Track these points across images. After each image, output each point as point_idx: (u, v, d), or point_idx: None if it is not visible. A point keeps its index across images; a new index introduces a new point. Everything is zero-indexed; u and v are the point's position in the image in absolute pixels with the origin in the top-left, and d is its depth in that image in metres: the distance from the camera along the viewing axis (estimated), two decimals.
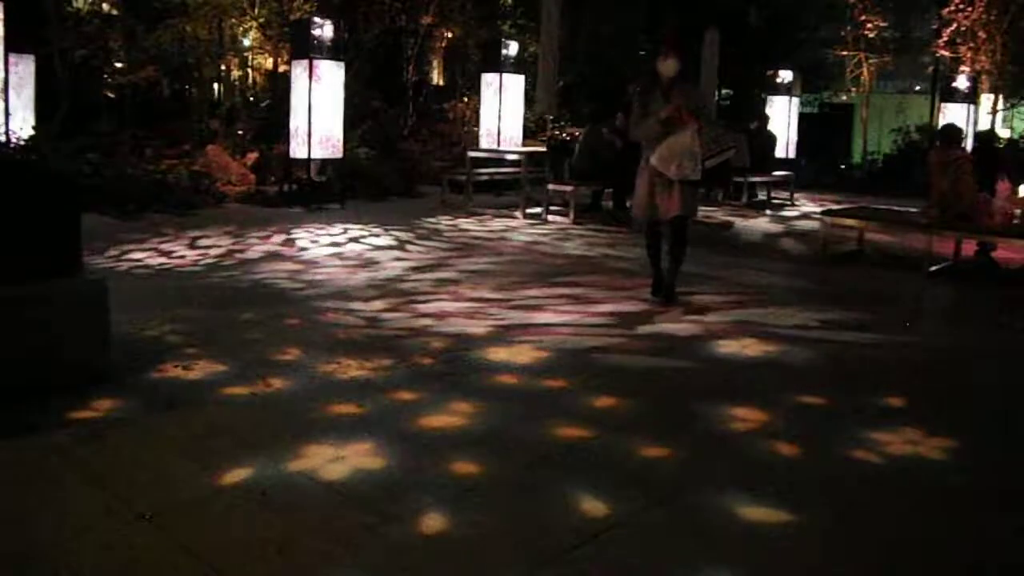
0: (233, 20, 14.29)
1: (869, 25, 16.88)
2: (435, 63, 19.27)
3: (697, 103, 5.75)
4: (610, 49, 20.28)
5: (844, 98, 20.47)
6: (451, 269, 7.04)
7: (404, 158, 13.13)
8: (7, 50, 9.17)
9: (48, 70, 10.97)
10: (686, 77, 5.86)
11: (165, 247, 7.66)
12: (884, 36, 17.24)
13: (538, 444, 3.39)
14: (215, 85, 16.25)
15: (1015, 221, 7.23)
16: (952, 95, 15.11)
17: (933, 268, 7.45)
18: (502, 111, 12.96)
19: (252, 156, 12.00)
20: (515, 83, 13.23)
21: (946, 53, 16.60)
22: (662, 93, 5.68)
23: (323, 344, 4.65)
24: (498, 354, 4.58)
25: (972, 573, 2.63)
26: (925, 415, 3.88)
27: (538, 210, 10.60)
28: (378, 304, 5.69)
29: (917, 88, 23.37)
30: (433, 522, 2.72)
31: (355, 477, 3.02)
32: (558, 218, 10.36)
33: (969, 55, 15.99)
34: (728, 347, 4.90)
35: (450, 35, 17.58)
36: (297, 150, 10.67)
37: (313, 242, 8.19)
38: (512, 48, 13.22)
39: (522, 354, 4.59)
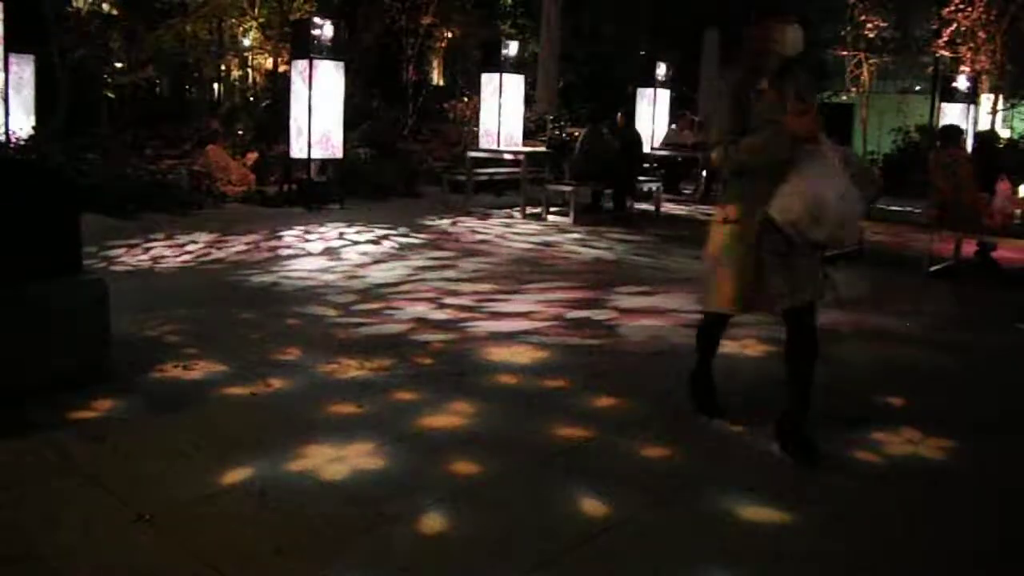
0: (233, 20, 14.31)
1: (869, 25, 16.88)
2: (435, 63, 19.28)
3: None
4: (610, 49, 20.29)
5: (844, 98, 20.46)
6: (451, 269, 7.04)
7: (404, 158, 13.14)
8: (7, 50, 9.17)
9: (48, 70, 10.98)
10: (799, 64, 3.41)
11: (165, 247, 7.65)
12: (884, 36, 17.24)
13: (538, 444, 3.39)
14: (215, 85, 16.27)
15: (1015, 221, 7.23)
16: (952, 95, 15.11)
17: (933, 268, 7.45)
18: (502, 111, 12.96)
19: (252, 156, 12.00)
20: (515, 83, 13.23)
21: (946, 53, 16.61)
22: (772, 87, 3.31)
23: (323, 344, 4.65)
24: (498, 354, 4.58)
25: (973, 573, 2.63)
26: (925, 415, 3.88)
27: (538, 210, 10.60)
28: (377, 304, 5.68)
29: (917, 88, 23.36)
30: (433, 522, 2.72)
31: (355, 477, 3.02)
32: (558, 218, 10.35)
33: (969, 55, 16.00)
34: (728, 347, 4.88)
35: (450, 35, 17.59)
36: (297, 150, 10.67)
37: (312, 242, 8.19)
38: (512, 48, 13.23)
39: (522, 354, 4.59)
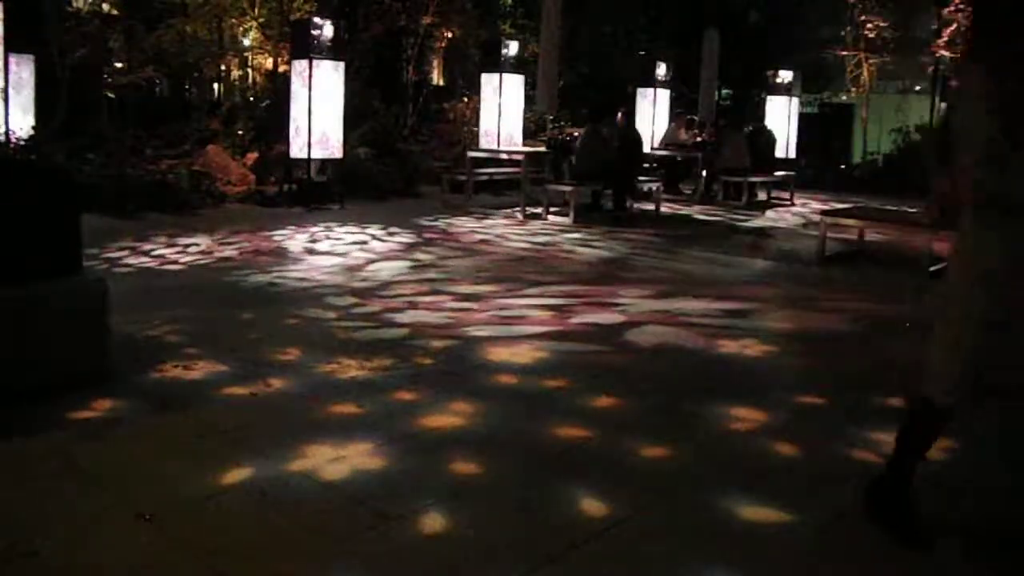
0: (233, 20, 14.32)
1: (869, 25, 16.87)
2: (435, 63, 19.29)
3: None
4: (610, 49, 20.30)
5: (844, 98, 20.46)
6: (451, 269, 7.04)
7: (404, 158, 13.15)
8: (7, 50, 9.17)
9: (48, 70, 10.98)
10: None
11: (165, 247, 7.66)
12: (884, 36, 17.25)
13: (538, 444, 3.39)
14: (215, 85, 16.28)
15: None
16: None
17: (934, 268, 7.45)
18: (502, 111, 12.97)
19: (252, 156, 12.00)
20: (515, 83, 13.23)
21: (946, 53, 16.61)
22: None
23: (323, 344, 4.64)
24: (498, 354, 4.58)
25: (973, 571, 2.63)
26: None
27: (538, 210, 10.60)
28: (377, 304, 5.68)
29: (917, 88, 23.36)
30: (433, 522, 2.71)
31: (355, 477, 3.02)
32: (558, 218, 10.35)
33: None
34: (728, 347, 4.90)
35: (450, 35, 17.59)
36: (297, 150, 10.67)
37: (312, 242, 8.19)
38: (512, 48, 13.24)
39: (522, 354, 4.59)
